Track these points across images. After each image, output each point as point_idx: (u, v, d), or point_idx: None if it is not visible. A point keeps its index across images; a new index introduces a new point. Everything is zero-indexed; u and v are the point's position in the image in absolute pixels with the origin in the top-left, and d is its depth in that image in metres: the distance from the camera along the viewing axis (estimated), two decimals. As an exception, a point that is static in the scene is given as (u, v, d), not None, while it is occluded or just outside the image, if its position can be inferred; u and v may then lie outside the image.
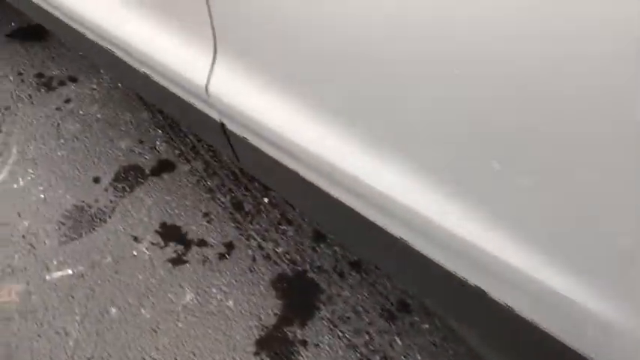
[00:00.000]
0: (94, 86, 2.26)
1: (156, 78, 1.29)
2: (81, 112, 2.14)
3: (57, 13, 1.54)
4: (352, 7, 0.77)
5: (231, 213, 1.84)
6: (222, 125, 1.22)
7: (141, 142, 2.05)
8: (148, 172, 1.95)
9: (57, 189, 1.88)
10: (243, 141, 1.17)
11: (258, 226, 1.80)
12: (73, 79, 2.29)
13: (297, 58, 0.93)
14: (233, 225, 1.80)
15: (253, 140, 1.14)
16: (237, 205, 1.86)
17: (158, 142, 2.05)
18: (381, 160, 0.87)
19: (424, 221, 0.82)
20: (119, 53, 1.37)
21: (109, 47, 1.39)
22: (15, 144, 2.02)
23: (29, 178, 1.91)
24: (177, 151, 2.02)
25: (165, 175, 1.95)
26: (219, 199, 1.88)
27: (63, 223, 1.79)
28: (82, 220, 1.80)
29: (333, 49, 0.84)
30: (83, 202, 1.85)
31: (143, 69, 1.31)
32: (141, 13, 1.22)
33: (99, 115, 2.14)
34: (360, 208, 0.95)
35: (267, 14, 0.92)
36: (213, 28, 1.06)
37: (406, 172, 0.83)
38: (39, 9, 1.64)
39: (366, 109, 0.86)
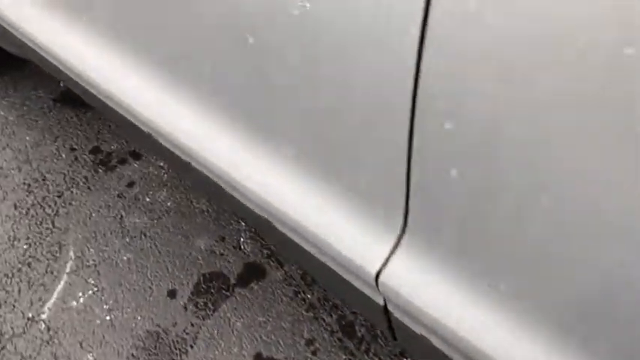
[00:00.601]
0: (161, 164, 1.90)
1: (287, 233, 0.92)
2: (148, 200, 1.79)
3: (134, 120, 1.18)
4: None
5: (339, 340, 1.47)
6: (386, 309, 0.86)
7: (222, 238, 1.69)
8: (233, 281, 1.59)
9: (125, 307, 1.53)
10: (414, 334, 0.83)
11: (376, 359, 1.43)
12: (136, 155, 1.94)
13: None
14: (344, 357, 1.43)
15: (429, 336, 0.80)
16: (347, 328, 1.49)
17: (242, 239, 1.69)
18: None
19: None
20: (231, 192, 1.01)
21: (213, 178, 1.03)
22: (72, 245, 1.67)
23: (91, 292, 1.57)
24: (265, 251, 1.66)
25: (254, 286, 1.58)
26: (323, 320, 1.51)
27: (135, 357, 1.44)
28: (158, 352, 1.45)
29: None
30: (158, 325, 1.49)
31: (265, 216, 0.95)
32: (281, 159, 0.86)
33: (169, 204, 1.79)
34: None
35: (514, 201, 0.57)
36: (407, 205, 0.69)
37: None
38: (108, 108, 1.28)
39: None
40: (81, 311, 1.53)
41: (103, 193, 1.81)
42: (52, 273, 1.61)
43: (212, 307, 1.53)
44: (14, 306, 1.54)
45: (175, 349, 1.45)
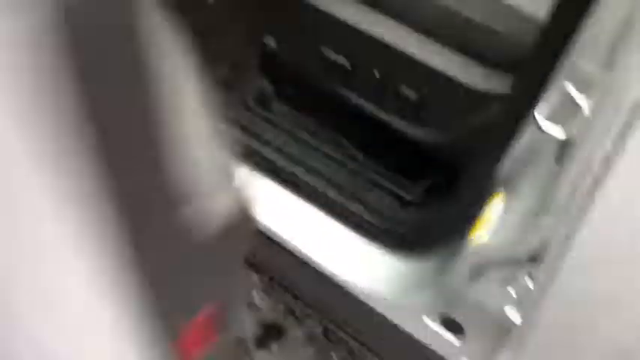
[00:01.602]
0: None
1: None
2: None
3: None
4: None
5: (374, 404, 1.39)
6: None
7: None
8: (251, 344, 1.48)
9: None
10: None
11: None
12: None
13: None
14: None
15: None
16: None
17: (255, 293, 1.57)
18: None
19: None
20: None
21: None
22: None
23: None
24: (281, 306, 1.55)
25: (274, 346, 1.48)
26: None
27: None
28: None
29: None
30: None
31: None
32: None
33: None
34: None
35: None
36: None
37: None
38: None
39: None
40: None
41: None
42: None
43: (232, 376, 1.42)
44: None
45: None
